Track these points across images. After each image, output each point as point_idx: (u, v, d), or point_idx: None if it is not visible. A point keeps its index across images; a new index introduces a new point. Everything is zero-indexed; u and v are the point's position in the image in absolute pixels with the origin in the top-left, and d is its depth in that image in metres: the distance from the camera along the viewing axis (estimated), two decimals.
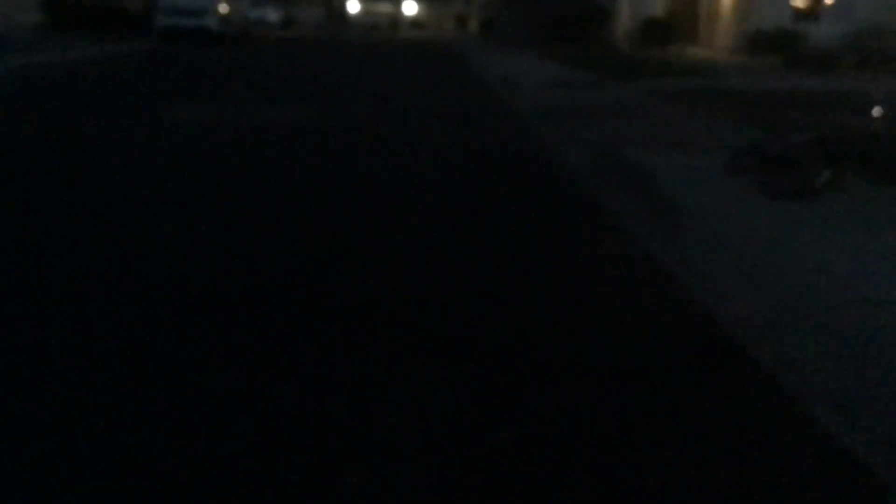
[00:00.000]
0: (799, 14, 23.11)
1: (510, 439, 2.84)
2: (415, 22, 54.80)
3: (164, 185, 6.79)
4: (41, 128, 9.74)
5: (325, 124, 10.48)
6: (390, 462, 2.67)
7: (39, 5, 30.05)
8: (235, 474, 2.59)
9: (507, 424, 2.94)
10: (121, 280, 4.41)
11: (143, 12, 29.66)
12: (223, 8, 27.13)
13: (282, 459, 2.67)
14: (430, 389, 3.20)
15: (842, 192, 6.43)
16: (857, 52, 19.06)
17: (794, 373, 3.40)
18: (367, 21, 52.67)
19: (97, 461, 2.64)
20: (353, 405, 3.05)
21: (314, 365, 3.41)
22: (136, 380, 3.23)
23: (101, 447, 2.73)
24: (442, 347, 3.60)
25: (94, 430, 2.83)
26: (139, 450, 2.71)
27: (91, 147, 8.56)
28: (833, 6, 22.71)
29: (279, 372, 3.33)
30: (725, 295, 4.35)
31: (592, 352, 3.61)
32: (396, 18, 54.63)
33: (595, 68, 18.21)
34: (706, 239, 5.40)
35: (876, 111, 9.21)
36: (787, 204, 6.16)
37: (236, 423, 2.91)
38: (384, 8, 54.64)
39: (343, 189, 6.81)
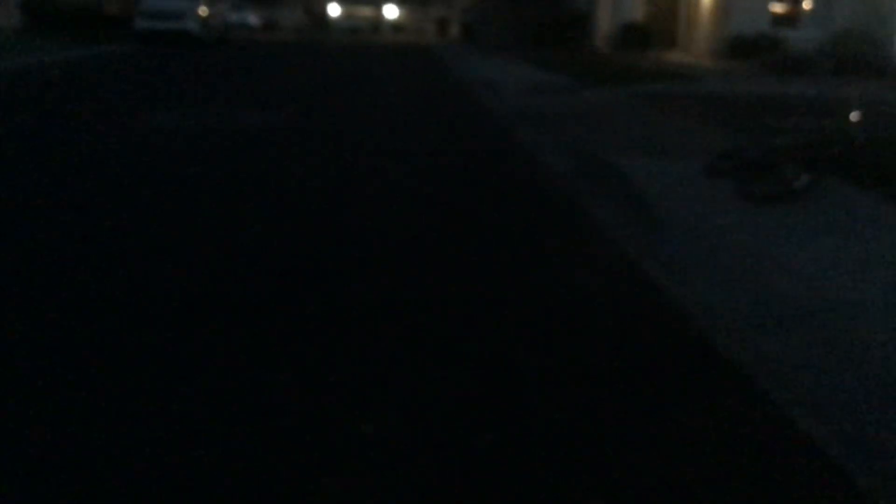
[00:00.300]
0: (778, 19, 23.29)
1: (494, 442, 2.83)
2: (396, 26, 54.81)
3: (135, 191, 6.74)
4: (9, 133, 9.65)
5: (307, 129, 10.46)
6: (377, 466, 2.67)
7: (19, 8, 29.84)
8: (223, 475, 2.57)
9: (490, 428, 2.93)
10: (94, 286, 4.38)
11: (124, 15, 29.51)
12: (203, 11, 27.03)
13: (270, 461, 2.66)
14: (417, 395, 3.20)
15: (820, 196, 6.49)
16: (834, 58, 19.24)
17: (772, 375, 3.42)
18: (348, 24, 52.62)
19: (84, 460, 2.62)
20: (338, 410, 3.04)
21: (298, 372, 3.39)
22: (102, 385, 3.20)
23: (85, 447, 2.71)
24: (425, 353, 3.60)
25: (74, 431, 2.81)
26: (122, 450, 2.69)
27: (63, 153, 8.49)
28: (811, 12, 22.92)
29: (261, 378, 3.31)
30: (704, 298, 4.37)
31: (576, 355, 3.62)
32: (378, 22, 54.61)
33: (576, 73, 18.28)
34: (685, 242, 5.42)
35: (853, 116, 9.30)
36: (766, 207, 6.21)
37: (217, 427, 2.89)
38: (365, 11, 54.62)
39: (325, 194, 6.79)
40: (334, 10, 54.50)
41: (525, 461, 2.74)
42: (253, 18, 45.37)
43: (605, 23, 28.85)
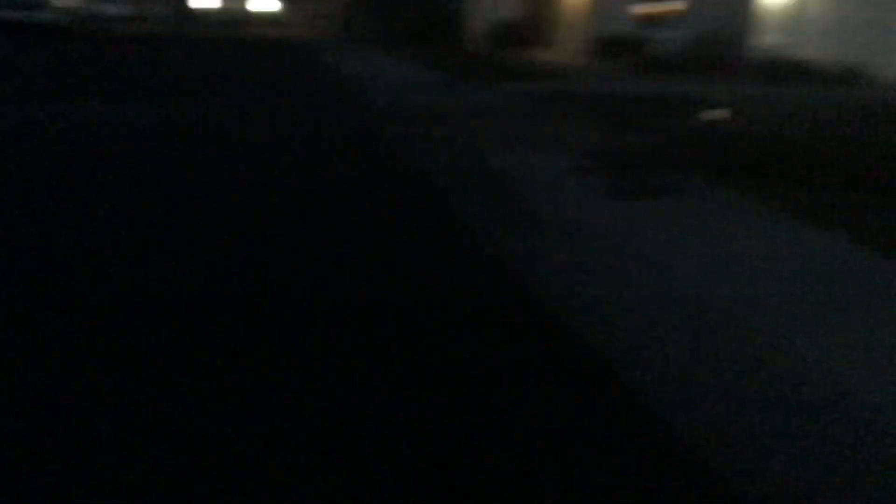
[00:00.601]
0: (644, 19, 23.99)
1: (346, 441, 2.68)
2: (269, 19, 53.71)
3: None
4: None
5: (168, 125, 10.01)
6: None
7: None
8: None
9: (343, 428, 2.78)
10: None
11: None
12: (61, 1, 25.75)
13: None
14: (262, 387, 3.01)
15: (686, 192, 6.61)
16: (698, 57, 19.98)
17: (639, 366, 3.40)
18: (220, 17, 51.20)
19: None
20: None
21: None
22: None
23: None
24: (284, 352, 3.41)
25: None
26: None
27: None
28: (676, 13, 23.73)
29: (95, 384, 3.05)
30: (569, 290, 4.34)
31: (439, 354, 3.50)
32: (251, 15, 53.36)
33: (450, 70, 18.29)
34: (553, 238, 5.41)
35: (715, 113, 9.62)
36: (634, 203, 6.28)
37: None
38: (238, 4, 53.30)
39: (177, 193, 6.48)
40: (205, 2, 52.93)
41: (378, 463, 2.60)
42: (115, 9, 43.51)
43: (480, 21, 29.09)
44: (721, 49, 20.35)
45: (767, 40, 21.30)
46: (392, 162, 8.27)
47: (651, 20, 23.29)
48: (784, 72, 18.06)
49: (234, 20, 51.00)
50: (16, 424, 2.81)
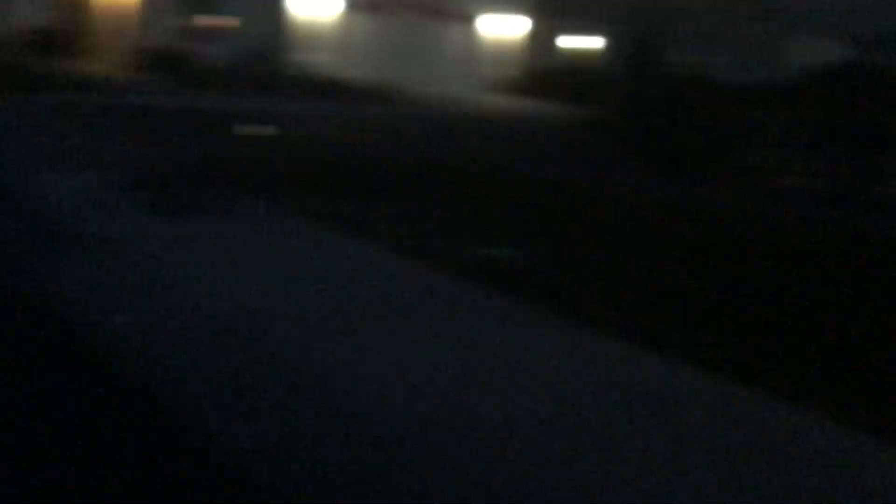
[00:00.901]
0: (192, 34, 23.72)
1: None
2: None
3: None
4: None
5: None
6: None
7: None
8: None
9: None
10: None
11: None
12: None
13: None
14: None
15: (224, 208, 6.65)
16: (245, 73, 20.31)
17: (166, 384, 3.40)
18: None
19: None
20: None
21: None
22: None
23: None
24: None
25: None
26: None
27: None
28: (223, 29, 23.84)
29: None
30: (98, 312, 4.20)
31: None
32: None
33: None
34: (87, 259, 5.14)
35: (255, 129, 9.86)
36: (173, 221, 6.18)
37: None
38: None
39: None
40: None
41: None
42: None
43: (7, 25, 26.43)
44: (266, 65, 20.93)
45: (310, 58, 22.41)
46: None
47: (199, 34, 23.15)
48: (324, 89, 19.11)
49: None
50: None
